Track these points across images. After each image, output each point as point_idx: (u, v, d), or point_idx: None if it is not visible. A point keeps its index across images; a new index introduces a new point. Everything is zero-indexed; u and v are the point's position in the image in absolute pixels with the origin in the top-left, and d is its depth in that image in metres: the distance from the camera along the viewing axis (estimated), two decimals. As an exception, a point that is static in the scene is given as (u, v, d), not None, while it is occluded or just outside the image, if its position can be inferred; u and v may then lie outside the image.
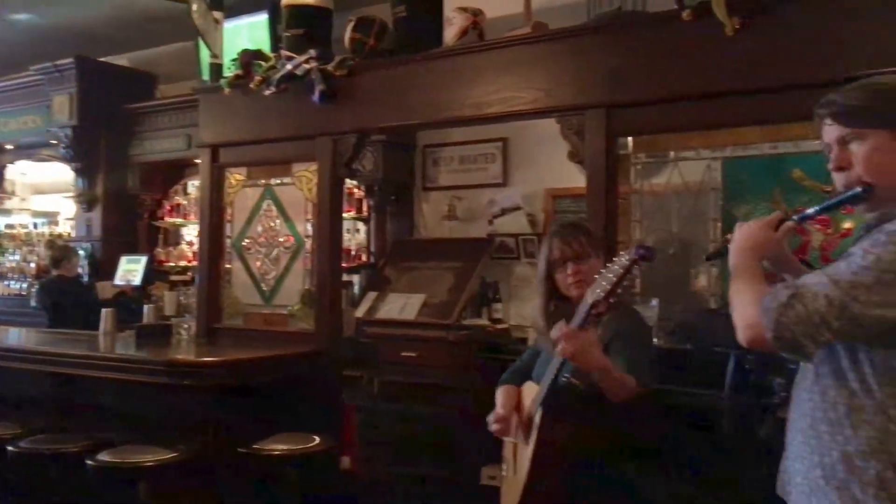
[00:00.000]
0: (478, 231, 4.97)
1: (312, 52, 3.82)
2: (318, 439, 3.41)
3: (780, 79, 2.75)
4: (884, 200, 1.51)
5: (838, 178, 1.56)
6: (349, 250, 5.30)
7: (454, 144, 5.11)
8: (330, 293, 3.90)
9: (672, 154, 3.81)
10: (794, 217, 1.64)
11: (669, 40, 3.01)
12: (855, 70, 2.54)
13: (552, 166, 4.40)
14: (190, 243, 6.47)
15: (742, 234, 1.66)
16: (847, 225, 3.17)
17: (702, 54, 2.93)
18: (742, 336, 1.54)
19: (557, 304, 2.38)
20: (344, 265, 4.98)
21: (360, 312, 4.54)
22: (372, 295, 4.69)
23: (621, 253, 1.96)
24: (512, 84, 3.37)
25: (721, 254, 1.71)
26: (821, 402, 1.50)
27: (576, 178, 3.63)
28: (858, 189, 1.51)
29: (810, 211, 1.64)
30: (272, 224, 4.24)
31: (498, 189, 4.97)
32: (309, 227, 4.10)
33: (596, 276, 2.02)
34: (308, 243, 4.10)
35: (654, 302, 3.53)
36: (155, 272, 6.14)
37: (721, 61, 2.89)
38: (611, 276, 1.95)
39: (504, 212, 4.90)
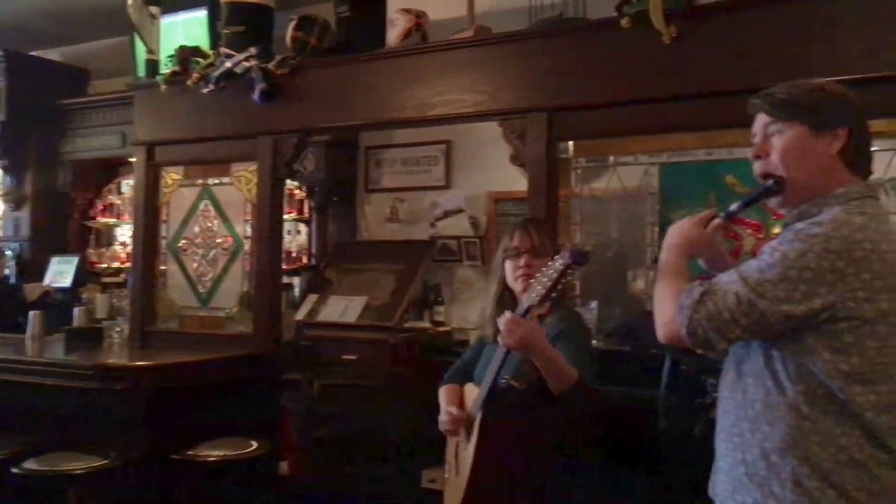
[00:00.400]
0: (420, 233, 4.96)
1: (253, 50, 3.76)
2: (255, 444, 3.36)
3: (713, 86, 2.83)
4: (800, 196, 1.55)
5: (756, 166, 1.61)
6: (290, 252, 5.23)
7: (397, 146, 5.09)
8: (269, 295, 3.84)
9: (611, 159, 3.87)
10: (721, 214, 1.68)
11: (609, 47, 3.06)
12: (780, 79, 2.63)
13: (495, 169, 4.42)
14: (123, 244, 6.27)
15: (673, 231, 1.70)
16: (777, 230, 3.26)
17: (640, 61, 2.99)
18: (660, 333, 1.59)
19: (504, 294, 2.39)
20: (284, 267, 4.92)
21: (300, 315, 4.48)
22: (313, 297, 4.64)
23: (556, 257, 1.97)
24: (455, 87, 3.38)
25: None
26: (742, 401, 1.53)
27: (518, 182, 3.66)
28: (770, 182, 1.56)
29: (733, 207, 1.68)
30: (210, 225, 4.15)
31: (441, 191, 4.97)
32: (248, 228, 4.02)
33: (532, 280, 2.03)
34: (247, 244, 4.03)
35: (593, 304, 3.58)
36: (86, 274, 5.95)
37: (658, 68, 2.95)
38: (545, 280, 1.97)
39: (447, 214, 4.90)
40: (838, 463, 1.42)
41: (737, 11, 2.84)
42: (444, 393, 2.48)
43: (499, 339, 2.09)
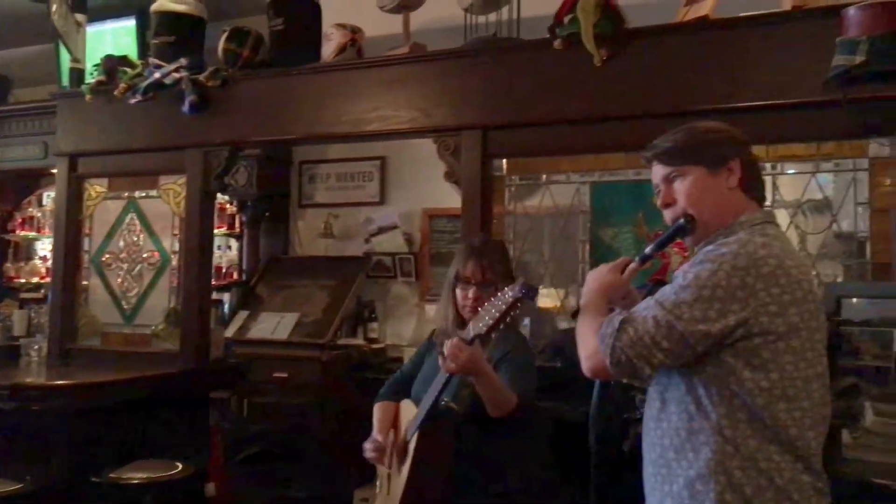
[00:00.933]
0: (354, 249, 4.92)
1: (183, 61, 3.69)
2: (180, 466, 3.25)
3: (642, 108, 2.90)
4: (709, 230, 1.61)
5: (666, 214, 1.68)
6: (220, 267, 5.10)
7: (331, 161, 5.05)
8: (198, 312, 3.74)
9: (544, 177, 3.93)
10: (636, 258, 1.73)
11: (543, 67, 3.11)
12: (704, 104, 2.74)
13: (429, 186, 4.43)
14: (44, 258, 6.02)
15: (591, 277, 1.75)
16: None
17: (573, 82, 3.05)
18: (585, 367, 1.61)
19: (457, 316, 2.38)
20: (214, 283, 4.81)
21: (229, 332, 4.38)
22: (243, 314, 4.54)
23: (506, 289, 1.96)
24: (390, 103, 3.38)
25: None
26: (668, 430, 1.56)
27: (452, 199, 3.67)
28: (682, 221, 1.62)
29: (647, 250, 1.72)
30: (135, 239, 4.03)
31: (375, 207, 4.95)
32: (176, 242, 3.92)
33: (480, 310, 2.02)
34: (174, 259, 3.92)
35: (526, 321, 3.61)
36: (4, 289, 5.69)
37: (590, 90, 3.01)
38: (494, 311, 1.95)
39: (381, 230, 4.88)
40: (759, 488, 1.44)
41: (665, 36, 2.93)
42: (377, 411, 2.44)
43: (440, 363, 2.09)
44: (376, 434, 2.36)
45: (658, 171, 1.68)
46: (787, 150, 3.50)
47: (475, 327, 2.01)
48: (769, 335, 1.44)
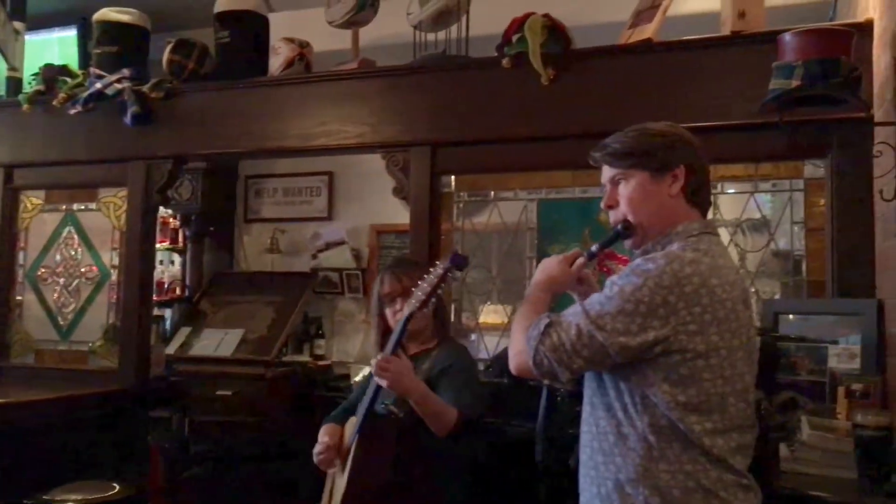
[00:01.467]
0: (301, 265, 4.88)
1: (126, 72, 3.62)
2: (117, 487, 3.14)
3: (589, 127, 2.94)
4: (647, 237, 1.64)
5: (610, 215, 1.71)
6: (162, 283, 5.00)
7: (278, 176, 5.01)
8: (137, 328, 3.64)
9: (492, 194, 3.95)
10: (584, 254, 1.77)
11: (491, 85, 3.15)
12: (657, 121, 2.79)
13: (377, 202, 4.42)
14: (-24, 273, 5.80)
15: (542, 267, 1.78)
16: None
17: (520, 100, 3.08)
18: (511, 364, 1.64)
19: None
20: (155, 298, 4.70)
21: (171, 349, 4.29)
22: (185, 330, 4.45)
23: (436, 263, 2.00)
24: (338, 118, 3.37)
25: None
26: (597, 434, 1.59)
27: (400, 215, 3.67)
28: (619, 227, 1.66)
29: (594, 248, 1.77)
30: (73, 253, 3.91)
31: (323, 223, 4.92)
32: (115, 256, 3.82)
33: (413, 290, 2.05)
34: (114, 274, 3.82)
35: (473, 337, 3.62)
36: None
37: (537, 108, 3.05)
38: (426, 286, 2.00)
39: (328, 246, 4.85)
40: (687, 490, 1.47)
41: (609, 58, 3.00)
42: (323, 431, 2.43)
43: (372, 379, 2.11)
44: (321, 437, 2.37)
45: (605, 172, 1.70)
46: (727, 171, 3.59)
47: (409, 305, 2.04)
48: (688, 353, 1.47)
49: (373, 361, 2.12)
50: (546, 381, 1.61)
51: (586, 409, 1.65)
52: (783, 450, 2.14)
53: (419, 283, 2.06)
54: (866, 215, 2.58)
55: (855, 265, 2.61)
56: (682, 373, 1.47)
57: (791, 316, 2.69)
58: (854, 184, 2.60)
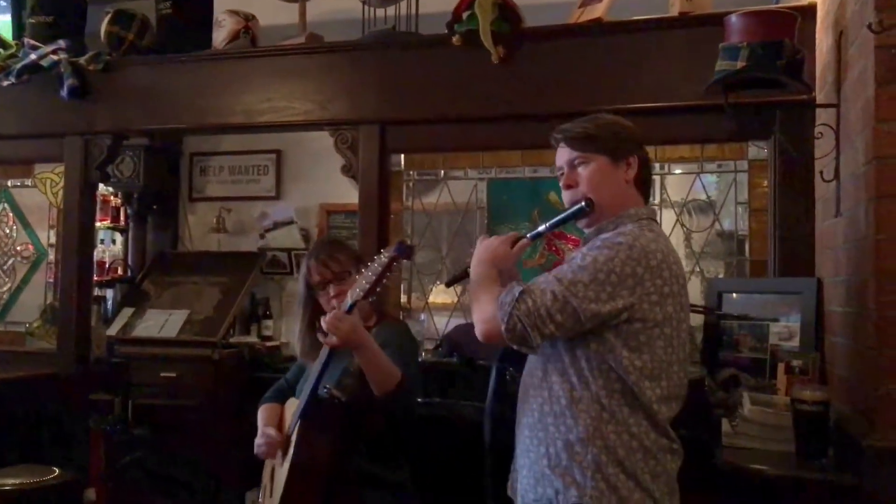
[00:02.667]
0: (248, 245, 4.78)
1: (62, 43, 3.50)
2: (57, 471, 3.07)
3: (538, 107, 2.95)
4: (602, 217, 1.75)
5: (566, 196, 1.79)
6: (103, 262, 4.85)
7: (224, 154, 4.88)
8: (77, 309, 3.54)
9: (442, 173, 3.94)
10: (528, 235, 1.82)
11: (441, 63, 3.11)
12: (596, 104, 2.80)
13: (327, 181, 4.35)
14: None
15: (482, 247, 1.81)
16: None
17: (470, 79, 3.06)
18: (479, 330, 1.70)
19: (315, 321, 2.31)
20: (96, 279, 4.57)
21: (112, 330, 4.16)
22: (128, 311, 4.33)
23: (381, 251, 1.97)
24: (285, 94, 3.30)
25: (461, 278, 1.86)
26: (548, 398, 1.68)
27: (350, 194, 3.62)
28: (582, 203, 1.74)
29: (542, 228, 1.83)
30: (7, 231, 3.77)
31: (271, 202, 4.83)
32: (53, 235, 3.69)
33: (357, 277, 2.01)
34: (52, 253, 3.69)
35: (423, 316, 3.61)
36: None
37: (487, 87, 3.03)
38: (370, 274, 1.95)
39: (276, 226, 4.76)
40: (631, 449, 1.60)
41: (559, 37, 2.99)
42: (262, 412, 2.38)
43: (320, 338, 2.05)
44: (264, 428, 2.29)
45: (564, 154, 1.78)
46: (674, 152, 3.64)
47: (353, 293, 1.98)
48: (648, 321, 1.60)
49: (328, 316, 2.03)
50: (515, 347, 1.63)
51: (536, 376, 1.72)
52: (725, 425, 2.19)
53: (361, 268, 2.00)
54: (807, 196, 2.64)
55: (796, 245, 2.67)
56: (640, 340, 1.60)
57: (734, 295, 2.74)
58: (796, 165, 2.65)
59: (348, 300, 2.02)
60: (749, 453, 2.08)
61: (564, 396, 1.64)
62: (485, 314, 1.67)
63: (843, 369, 2.17)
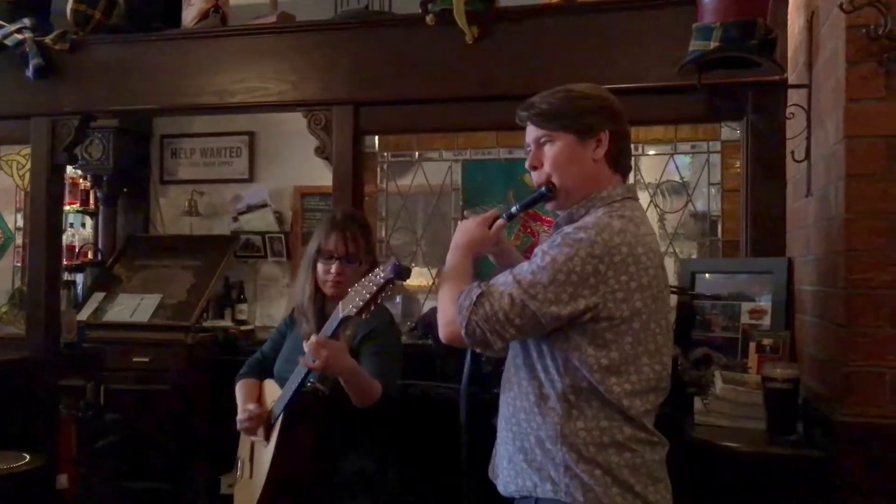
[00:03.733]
0: (221, 228, 4.75)
1: (26, 22, 3.42)
2: (28, 457, 3.04)
3: (513, 87, 2.91)
4: (570, 200, 1.66)
5: (533, 176, 1.70)
6: (73, 247, 4.78)
7: (196, 136, 4.84)
8: (46, 293, 3.47)
9: (417, 154, 3.92)
10: (503, 215, 1.75)
11: (415, 43, 3.08)
12: (580, 82, 2.80)
13: (300, 163, 4.32)
14: None
15: (459, 231, 1.75)
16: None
17: (445, 59, 3.03)
18: (442, 333, 1.65)
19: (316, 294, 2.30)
20: (66, 263, 4.52)
21: (83, 315, 4.12)
22: (99, 296, 4.29)
23: (377, 270, 1.92)
24: (257, 74, 3.24)
25: None
26: (518, 393, 1.63)
27: (325, 176, 3.58)
28: (543, 189, 1.66)
29: (513, 209, 1.75)
30: (-27, 214, 3.70)
31: (244, 185, 4.79)
32: (20, 218, 3.62)
33: (350, 290, 1.97)
34: (20, 237, 3.62)
35: (398, 299, 3.60)
36: None
37: (462, 67, 3.00)
38: (365, 293, 1.91)
39: (250, 208, 4.73)
40: (602, 445, 1.54)
41: (534, 17, 2.97)
42: (241, 388, 2.36)
43: (300, 359, 2.05)
44: (245, 405, 2.27)
45: (531, 132, 1.69)
46: (648, 134, 3.65)
47: (345, 308, 1.96)
48: (614, 319, 1.52)
49: (311, 340, 2.03)
50: (478, 350, 1.60)
51: (510, 370, 1.68)
52: (697, 403, 2.21)
53: (355, 286, 1.95)
54: (779, 176, 2.66)
55: (768, 225, 2.69)
56: (606, 338, 1.53)
57: (707, 275, 2.76)
58: (768, 145, 2.66)
59: (339, 312, 1.98)
60: (721, 431, 2.10)
61: (533, 393, 1.59)
62: (446, 317, 1.61)
63: (812, 347, 2.19)
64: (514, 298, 1.51)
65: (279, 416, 2.15)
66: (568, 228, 1.57)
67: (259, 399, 2.31)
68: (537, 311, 1.50)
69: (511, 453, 1.64)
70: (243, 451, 2.36)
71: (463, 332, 1.55)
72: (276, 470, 2.11)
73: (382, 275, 1.89)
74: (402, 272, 1.87)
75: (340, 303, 2.00)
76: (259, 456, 2.22)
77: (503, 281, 1.56)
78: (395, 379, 2.20)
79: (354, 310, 1.93)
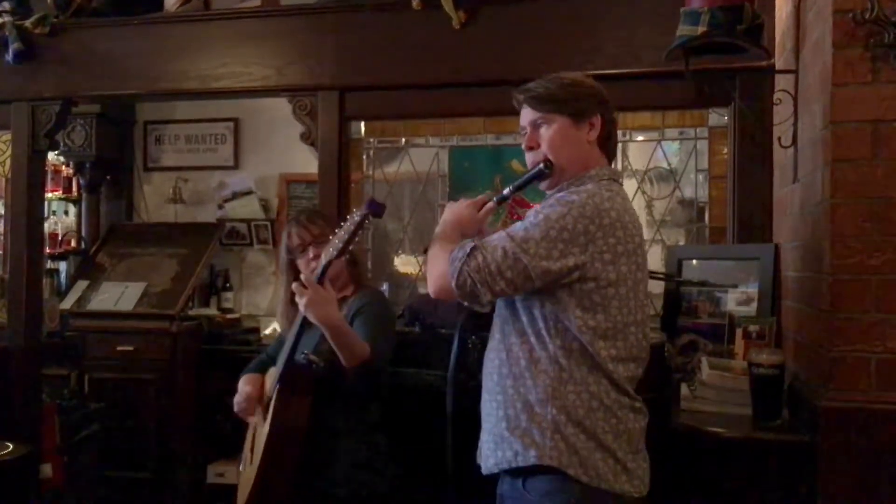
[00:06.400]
0: (206, 216, 4.70)
1: (6, 5, 3.39)
2: (11, 446, 3.01)
3: (499, 73, 2.90)
4: (564, 179, 1.73)
5: (528, 157, 1.78)
6: (55, 234, 4.73)
7: (180, 122, 4.79)
8: (28, 282, 3.43)
9: (403, 141, 3.89)
10: (494, 198, 1.81)
11: (401, 28, 3.05)
12: (558, 70, 2.78)
13: (286, 150, 4.29)
14: None
15: (450, 209, 1.82)
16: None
17: (432, 44, 3.00)
18: (431, 286, 1.70)
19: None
20: (49, 251, 4.48)
21: (67, 304, 4.08)
22: (82, 284, 4.25)
23: (353, 211, 2.00)
24: (241, 59, 3.21)
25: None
26: (506, 359, 1.68)
27: (311, 163, 3.56)
28: (541, 165, 1.72)
29: (506, 192, 1.81)
30: (-48, 201, 3.64)
31: (229, 172, 4.75)
32: (1, 206, 3.57)
33: (330, 237, 2.04)
34: (0, 224, 3.57)
35: (385, 286, 3.59)
36: None
37: (448, 52, 2.98)
38: (343, 234, 1.98)
39: (235, 196, 4.69)
40: (590, 409, 1.59)
41: (521, 2, 2.94)
42: (243, 381, 2.40)
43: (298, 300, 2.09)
44: (243, 387, 2.34)
45: (527, 115, 1.75)
46: (635, 120, 3.64)
47: (326, 254, 2.02)
48: (601, 280, 1.58)
49: (295, 286, 2.09)
50: (465, 303, 1.63)
51: (495, 339, 1.72)
52: (684, 389, 2.21)
53: (335, 231, 2.02)
54: (766, 163, 2.66)
55: (754, 211, 2.69)
56: (594, 299, 1.59)
57: (694, 261, 2.76)
58: (755, 132, 2.66)
59: (322, 260, 2.05)
60: (707, 416, 2.11)
61: (524, 357, 1.63)
62: (437, 270, 1.66)
63: (798, 333, 2.20)
64: (506, 251, 1.56)
65: (274, 389, 2.17)
66: (561, 193, 1.66)
67: (260, 390, 2.34)
68: (528, 264, 1.55)
69: (493, 424, 1.67)
70: (247, 445, 2.39)
71: (453, 282, 1.59)
72: (272, 443, 2.12)
73: (358, 213, 1.96)
74: (378, 207, 1.93)
75: (323, 252, 2.05)
76: (258, 440, 2.24)
77: (497, 237, 1.62)
78: (385, 345, 2.22)
79: (335, 252, 1.99)
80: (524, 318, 1.64)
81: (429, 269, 1.71)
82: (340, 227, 2.01)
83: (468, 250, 1.59)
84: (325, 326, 2.06)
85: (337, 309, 2.11)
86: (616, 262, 1.58)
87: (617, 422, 1.60)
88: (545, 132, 1.72)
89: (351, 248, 2.00)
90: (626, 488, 1.59)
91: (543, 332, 1.61)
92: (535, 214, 1.61)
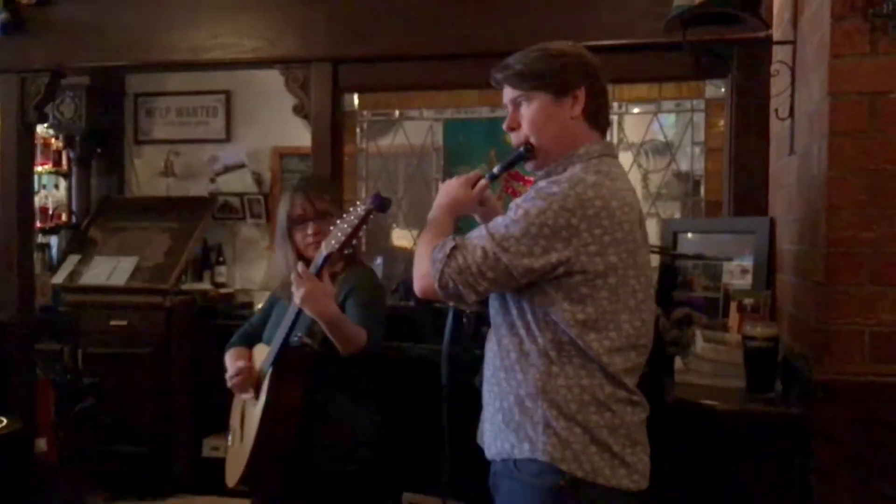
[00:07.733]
0: (199, 189, 4.67)
1: (-8, -25, 3.28)
2: (4, 421, 3.02)
3: (494, 44, 2.85)
4: (549, 159, 1.64)
5: (512, 137, 1.69)
6: (46, 209, 4.69)
7: (171, 94, 4.73)
8: (18, 256, 3.41)
9: (397, 113, 3.86)
10: (486, 175, 1.74)
11: (395, -1, 3.01)
12: (556, 40, 2.75)
13: (279, 123, 4.24)
14: None
15: (443, 190, 1.75)
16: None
17: (426, 15, 2.97)
18: (416, 286, 1.65)
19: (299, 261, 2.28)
20: (39, 225, 4.44)
21: (58, 278, 4.06)
22: (74, 258, 4.22)
23: (357, 203, 1.92)
24: (232, 30, 3.16)
25: None
26: (498, 352, 1.63)
27: (304, 137, 3.52)
28: (521, 149, 1.65)
29: (495, 170, 1.75)
30: (-60, 175, 3.59)
31: (221, 145, 4.70)
32: (-10, 179, 3.53)
33: (332, 228, 1.97)
34: (-11, 199, 3.54)
35: (379, 260, 3.58)
36: None
37: (443, 23, 2.95)
38: (346, 227, 1.91)
39: (227, 169, 4.65)
40: (583, 403, 1.54)
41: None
42: (230, 355, 2.36)
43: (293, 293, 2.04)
44: (235, 363, 2.27)
45: (507, 93, 1.68)
46: (631, 92, 3.62)
47: (327, 245, 1.96)
48: (588, 273, 1.51)
49: (292, 276, 2.04)
50: (451, 304, 1.61)
51: (491, 327, 1.68)
52: (678, 362, 2.22)
53: (337, 221, 1.95)
54: (763, 135, 2.64)
55: (751, 184, 2.68)
56: (582, 292, 1.52)
57: (689, 235, 2.75)
58: (752, 103, 2.64)
59: (322, 251, 1.97)
60: (701, 389, 2.11)
61: (514, 350, 1.59)
62: (421, 270, 1.62)
63: (792, 306, 2.20)
64: (486, 251, 1.52)
65: (267, 371, 2.14)
66: (542, 183, 1.57)
67: (249, 363, 2.30)
68: (509, 263, 1.51)
69: (492, 414, 1.65)
70: (234, 419, 2.36)
71: (436, 284, 1.56)
72: (266, 424, 2.10)
73: (363, 207, 1.88)
74: (384, 203, 1.86)
75: (323, 242, 1.99)
76: (249, 417, 2.21)
77: (477, 234, 1.56)
78: (379, 329, 2.19)
79: (337, 245, 1.92)
80: (514, 311, 1.59)
81: (415, 266, 1.66)
82: (343, 218, 1.93)
83: (448, 251, 1.54)
84: (323, 320, 2.03)
85: (334, 303, 2.06)
86: (604, 252, 1.50)
87: (612, 416, 1.54)
88: (525, 111, 1.63)
89: (354, 242, 1.93)
90: (624, 483, 1.54)
91: (533, 325, 1.56)
92: (516, 209, 1.53)
